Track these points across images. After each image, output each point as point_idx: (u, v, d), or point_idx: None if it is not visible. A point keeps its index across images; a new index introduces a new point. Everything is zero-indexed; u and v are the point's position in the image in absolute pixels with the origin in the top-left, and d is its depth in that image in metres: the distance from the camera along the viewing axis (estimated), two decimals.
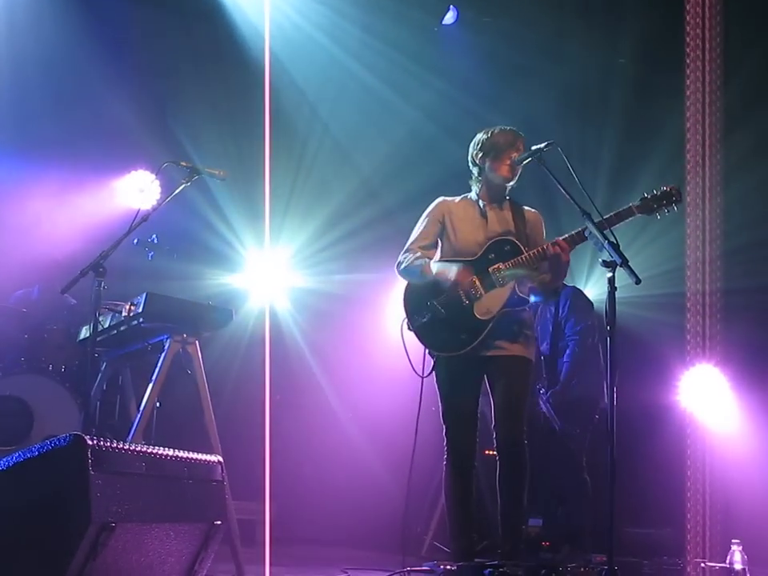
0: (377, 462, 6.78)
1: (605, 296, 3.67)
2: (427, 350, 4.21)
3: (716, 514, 5.61)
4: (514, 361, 4.15)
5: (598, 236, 3.69)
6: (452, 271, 4.11)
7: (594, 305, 6.12)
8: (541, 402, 5.83)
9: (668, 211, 3.96)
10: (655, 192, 3.96)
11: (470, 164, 4.35)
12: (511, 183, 4.27)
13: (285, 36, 7.19)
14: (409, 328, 4.20)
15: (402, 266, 4.26)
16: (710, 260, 5.84)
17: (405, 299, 4.27)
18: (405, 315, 4.24)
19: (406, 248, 4.32)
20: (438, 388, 4.24)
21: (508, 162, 4.18)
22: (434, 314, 4.14)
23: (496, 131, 4.26)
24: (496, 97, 7.27)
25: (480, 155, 4.28)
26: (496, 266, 4.12)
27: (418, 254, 4.26)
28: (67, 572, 2.71)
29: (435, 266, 4.20)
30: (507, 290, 4.13)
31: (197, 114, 7.38)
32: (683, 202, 4.04)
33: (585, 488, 5.69)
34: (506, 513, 4.11)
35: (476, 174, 4.33)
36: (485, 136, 4.28)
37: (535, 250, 4.08)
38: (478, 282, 4.12)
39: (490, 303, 4.11)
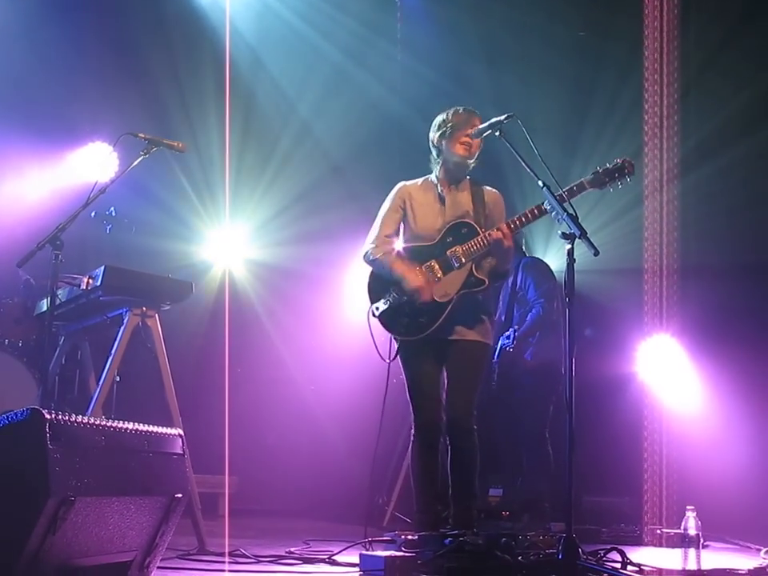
0: (338, 435, 6.81)
1: (563, 267, 3.69)
2: (391, 335, 4.28)
3: (672, 482, 5.72)
4: (471, 346, 4.23)
5: (557, 208, 3.71)
6: (412, 281, 4.16)
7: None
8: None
9: (621, 184, 4.00)
10: (608, 165, 3.99)
11: (430, 147, 4.39)
12: (470, 161, 4.31)
13: (247, 8, 7.11)
14: (374, 315, 4.27)
15: (371, 259, 4.32)
16: (668, 228, 5.89)
17: (368, 287, 4.35)
18: (369, 302, 4.31)
19: (372, 238, 4.37)
20: (403, 367, 4.32)
21: (463, 140, 4.21)
22: (394, 299, 4.22)
23: (451, 112, 4.32)
24: (458, 70, 7.25)
25: (438, 135, 4.32)
26: (453, 248, 4.19)
27: (385, 246, 4.31)
28: (26, 546, 2.69)
29: (401, 268, 4.23)
30: (464, 271, 4.19)
31: (156, 85, 7.27)
32: (641, 168, 4.06)
33: (547, 460, 5.75)
34: (456, 495, 4.21)
35: (435, 156, 4.38)
36: (442, 118, 4.33)
37: (481, 236, 4.13)
38: (436, 265, 4.19)
39: (447, 286, 4.19)
